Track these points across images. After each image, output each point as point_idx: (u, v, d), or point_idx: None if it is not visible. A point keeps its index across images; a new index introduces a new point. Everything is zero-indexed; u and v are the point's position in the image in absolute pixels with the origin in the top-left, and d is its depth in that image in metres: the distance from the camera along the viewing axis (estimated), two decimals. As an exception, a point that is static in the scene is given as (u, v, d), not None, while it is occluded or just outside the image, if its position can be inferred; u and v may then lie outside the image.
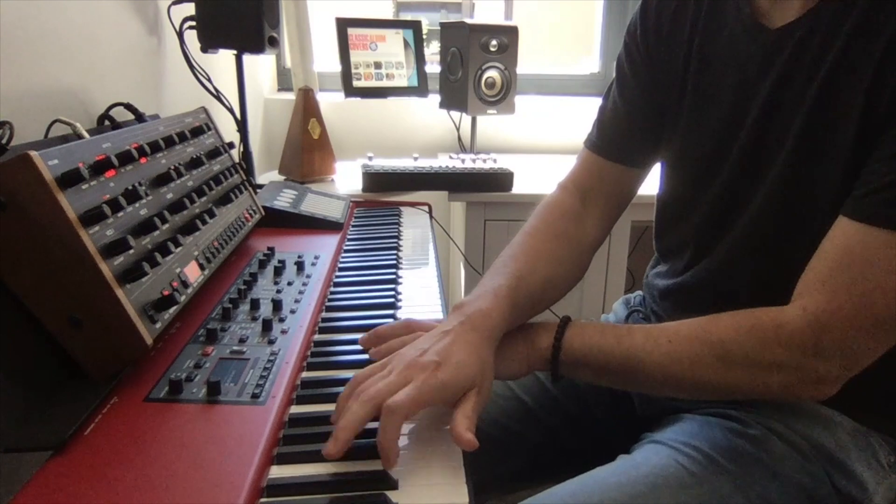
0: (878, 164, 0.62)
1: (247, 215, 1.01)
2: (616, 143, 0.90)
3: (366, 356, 0.74)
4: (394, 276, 1.01)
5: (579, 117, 2.18)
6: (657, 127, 0.88)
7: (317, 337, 0.81)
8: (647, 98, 0.88)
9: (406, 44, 1.92)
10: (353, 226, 1.28)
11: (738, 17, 0.77)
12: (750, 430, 0.73)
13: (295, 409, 0.66)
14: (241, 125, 1.50)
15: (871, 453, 0.73)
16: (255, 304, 0.80)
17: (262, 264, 0.95)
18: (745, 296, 0.69)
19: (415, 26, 1.94)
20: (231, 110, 1.47)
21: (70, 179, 0.61)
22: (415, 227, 1.30)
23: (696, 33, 0.81)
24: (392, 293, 0.94)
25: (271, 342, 0.73)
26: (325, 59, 2.07)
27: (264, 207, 1.10)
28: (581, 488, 0.70)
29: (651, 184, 0.95)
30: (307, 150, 1.68)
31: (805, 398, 0.67)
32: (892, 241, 0.60)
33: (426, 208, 1.43)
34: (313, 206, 1.23)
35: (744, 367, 0.65)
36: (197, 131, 0.94)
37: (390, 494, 0.54)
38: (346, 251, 1.13)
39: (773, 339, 0.64)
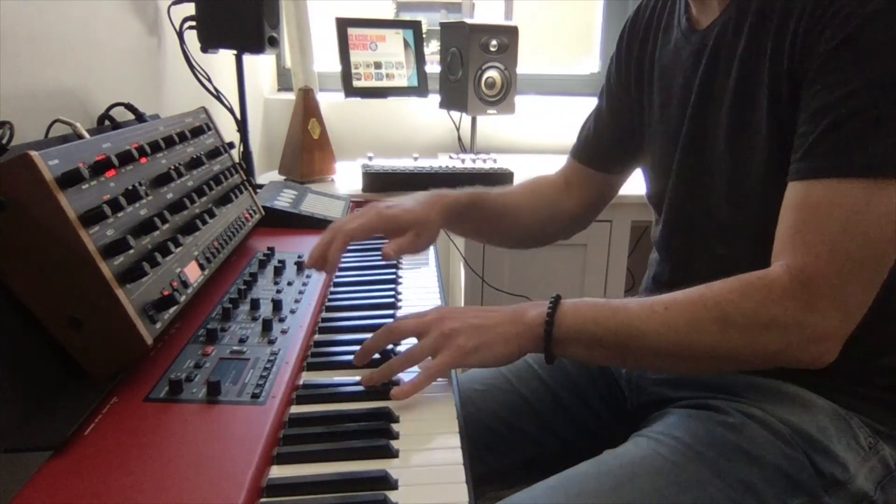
0: (804, 125, 0.66)
1: (247, 215, 1.01)
2: (595, 154, 1.04)
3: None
4: (394, 276, 1.01)
5: (579, 117, 2.17)
6: (631, 141, 0.98)
7: (317, 337, 0.81)
8: (625, 107, 0.98)
9: (406, 44, 1.92)
10: (353, 226, 1.28)
11: (678, 26, 0.86)
12: (729, 419, 0.74)
13: (295, 409, 0.66)
14: (241, 125, 1.50)
15: (852, 435, 0.73)
16: (255, 304, 0.80)
17: (262, 264, 0.95)
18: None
19: (415, 26, 1.94)
20: (231, 110, 1.47)
21: (70, 179, 0.61)
22: (415, 227, 1.30)
23: (655, 49, 0.91)
24: (392, 293, 0.94)
25: (271, 342, 0.73)
26: (325, 59, 2.07)
27: (264, 207, 1.10)
28: (562, 482, 0.71)
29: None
30: (307, 150, 1.68)
31: (807, 361, 0.65)
32: (840, 187, 0.63)
33: (426, 208, 1.43)
34: (313, 206, 1.23)
35: (742, 329, 0.65)
36: (197, 131, 0.94)
37: (390, 494, 0.54)
38: (346, 251, 1.13)
39: (766, 297, 0.64)
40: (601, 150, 1.03)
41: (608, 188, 1.06)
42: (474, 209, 0.94)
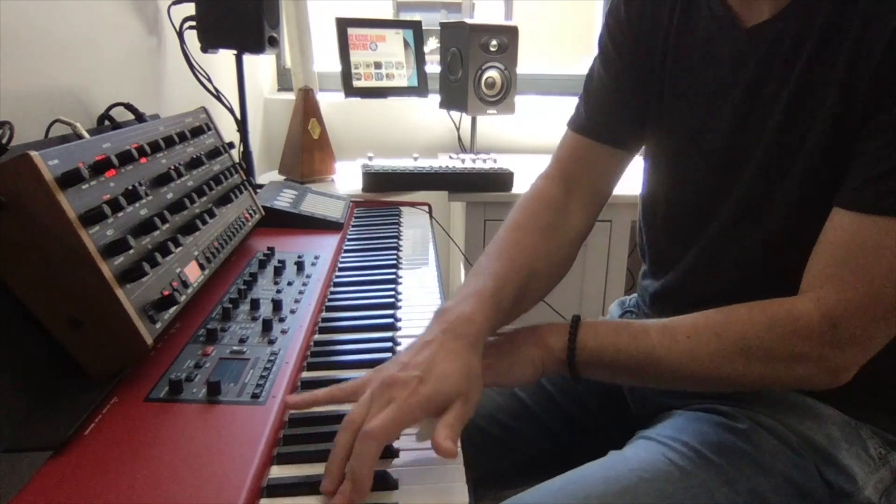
0: (869, 155, 0.63)
1: (247, 215, 1.01)
2: (604, 123, 0.88)
3: (366, 357, 0.74)
4: (394, 276, 1.01)
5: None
6: (643, 106, 0.86)
7: (317, 337, 0.81)
8: (632, 76, 0.86)
9: (406, 44, 1.92)
10: (353, 226, 1.28)
11: (710, 16, 0.77)
12: (739, 425, 0.73)
13: (295, 409, 0.66)
14: (241, 125, 1.50)
15: (861, 446, 0.73)
16: (255, 304, 0.80)
17: (262, 264, 0.95)
18: (724, 298, 0.69)
19: (415, 26, 1.94)
20: (231, 110, 1.47)
21: (70, 179, 0.61)
22: (415, 227, 1.30)
23: (670, 31, 0.81)
24: (392, 293, 0.94)
25: (271, 342, 0.73)
26: (325, 59, 2.07)
27: (264, 207, 1.10)
28: (568, 483, 0.70)
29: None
30: (307, 150, 1.68)
31: (823, 387, 0.66)
32: (894, 227, 0.61)
33: (426, 208, 1.43)
34: (313, 206, 1.23)
35: (765, 361, 0.65)
36: (197, 131, 0.94)
37: (390, 494, 0.54)
38: (346, 251, 1.13)
39: (791, 332, 0.64)
40: (611, 117, 0.87)
41: (614, 173, 0.90)
42: (505, 314, 0.73)
